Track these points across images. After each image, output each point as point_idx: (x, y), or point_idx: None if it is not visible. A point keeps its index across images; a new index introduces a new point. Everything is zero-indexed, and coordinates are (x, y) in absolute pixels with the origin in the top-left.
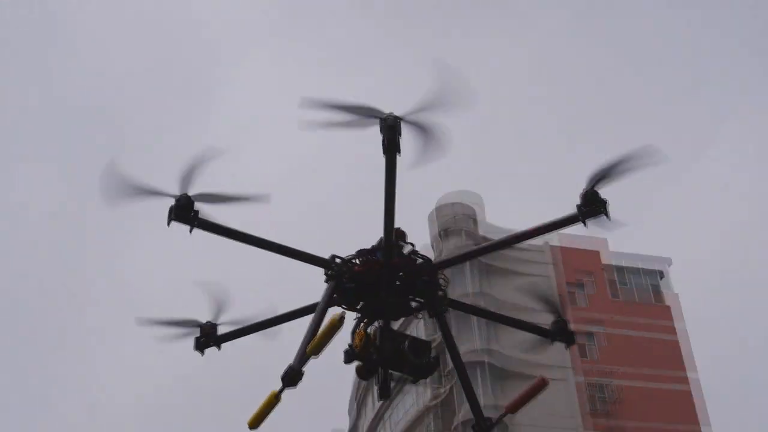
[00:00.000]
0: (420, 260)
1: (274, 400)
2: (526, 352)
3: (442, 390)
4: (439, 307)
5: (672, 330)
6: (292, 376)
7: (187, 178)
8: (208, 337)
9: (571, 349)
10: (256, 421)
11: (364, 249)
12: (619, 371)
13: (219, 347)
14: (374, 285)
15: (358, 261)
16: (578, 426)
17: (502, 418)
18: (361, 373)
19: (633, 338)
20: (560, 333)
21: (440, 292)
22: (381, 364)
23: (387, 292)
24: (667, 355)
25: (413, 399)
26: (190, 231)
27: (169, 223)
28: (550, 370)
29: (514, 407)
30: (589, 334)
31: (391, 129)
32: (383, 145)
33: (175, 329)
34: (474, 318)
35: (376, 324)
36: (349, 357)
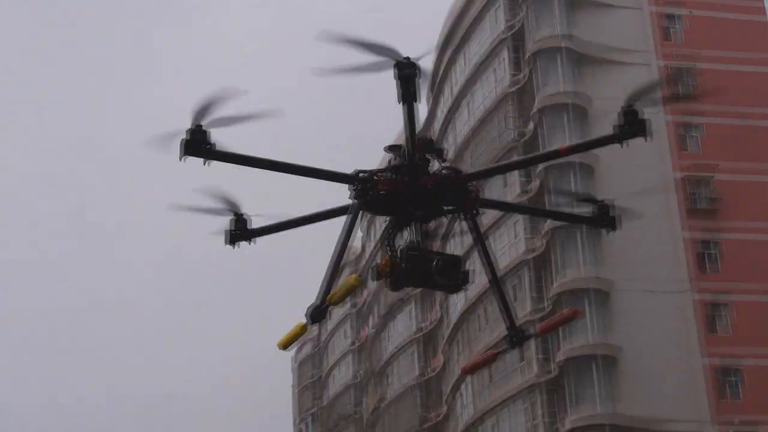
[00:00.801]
0: (448, 173)
1: (300, 330)
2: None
3: (521, 75)
4: (470, 212)
5: (762, 10)
6: (317, 314)
7: (200, 112)
8: (240, 230)
9: (653, 31)
10: (285, 344)
11: (390, 165)
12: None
13: (250, 241)
14: (401, 201)
15: (382, 177)
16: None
17: (533, 336)
18: (390, 285)
19: (719, 20)
20: (603, 219)
21: (471, 197)
22: (409, 285)
23: (415, 206)
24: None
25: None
26: (204, 164)
27: (181, 158)
28: (630, 55)
29: (544, 329)
30: (671, 17)
31: (407, 79)
32: (398, 94)
33: (208, 213)
34: (555, 1)
35: (404, 236)
36: (377, 276)
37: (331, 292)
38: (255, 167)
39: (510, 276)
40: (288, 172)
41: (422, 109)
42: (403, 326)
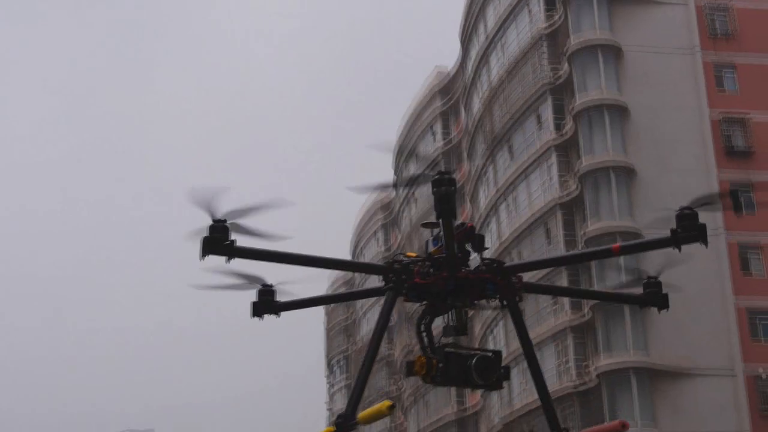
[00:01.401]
0: (490, 267)
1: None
2: None
3: (556, 17)
4: (511, 301)
5: None
6: (343, 427)
7: (211, 204)
8: (267, 303)
9: None
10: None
11: (427, 253)
12: None
13: (278, 315)
14: (439, 293)
15: (419, 269)
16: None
17: None
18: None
19: None
20: (653, 298)
21: (514, 288)
22: (446, 384)
23: (454, 298)
24: None
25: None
26: (227, 261)
27: (202, 258)
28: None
29: None
30: None
31: (446, 197)
32: (436, 210)
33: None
34: None
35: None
36: (410, 374)
37: (362, 414)
38: (284, 263)
39: (543, 218)
40: (320, 267)
41: (454, 51)
42: None
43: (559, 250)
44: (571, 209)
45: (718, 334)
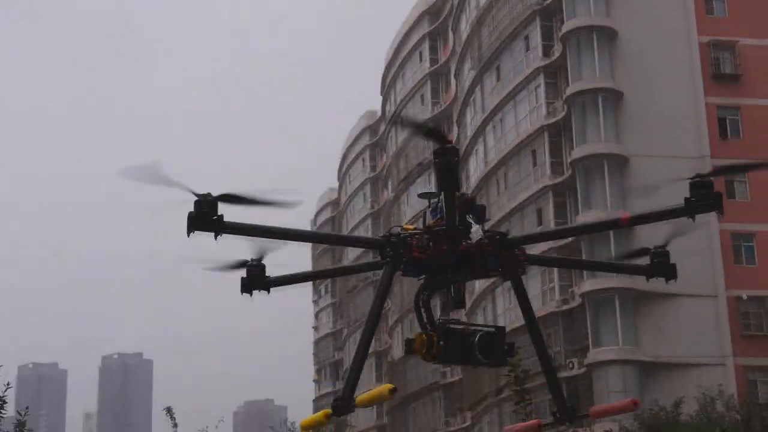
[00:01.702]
0: (493, 240)
1: (324, 419)
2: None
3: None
4: (515, 273)
5: None
6: (340, 409)
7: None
8: (257, 279)
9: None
10: (306, 426)
11: (426, 226)
12: None
13: (268, 291)
14: (439, 268)
15: (418, 242)
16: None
17: (583, 417)
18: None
19: None
20: (661, 268)
21: (517, 261)
22: (448, 362)
23: (454, 272)
24: None
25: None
26: (215, 238)
27: (189, 233)
28: None
29: (597, 414)
30: None
31: (448, 168)
32: (438, 182)
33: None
34: None
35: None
36: (410, 352)
37: (360, 397)
38: (277, 239)
39: (529, 142)
40: (313, 242)
41: None
42: (423, 190)
43: (546, 174)
44: (558, 133)
45: (701, 257)
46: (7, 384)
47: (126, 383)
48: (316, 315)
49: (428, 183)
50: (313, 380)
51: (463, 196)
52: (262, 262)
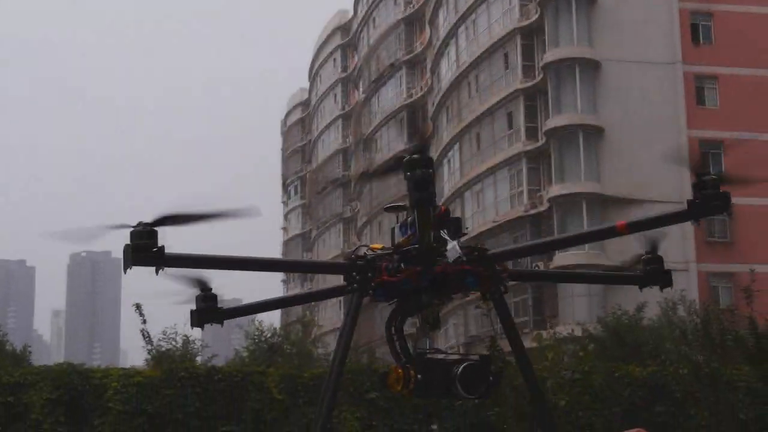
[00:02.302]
0: (471, 257)
1: None
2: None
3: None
4: (496, 292)
5: None
6: None
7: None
8: (209, 310)
9: None
10: None
11: (397, 245)
12: None
13: (222, 324)
14: (411, 291)
15: (387, 264)
16: None
17: None
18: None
19: None
20: (654, 276)
21: (499, 278)
22: (427, 397)
23: (429, 296)
24: None
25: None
26: (156, 273)
27: (126, 269)
28: None
29: None
30: None
31: (422, 182)
32: (411, 198)
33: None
34: None
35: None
36: (384, 386)
37: None
38: (226, 269)
39: (502, 44)
40: (270, 270)
41: None
42: (393, 92)
43: (518, 78)
44: (531, 35)
45: (670, 164)
46: None
47: (94, 281)
48: (285, 216)
49: (400, 85)
50: (281, 281)
51: (436, 209)
52: (212, 292)
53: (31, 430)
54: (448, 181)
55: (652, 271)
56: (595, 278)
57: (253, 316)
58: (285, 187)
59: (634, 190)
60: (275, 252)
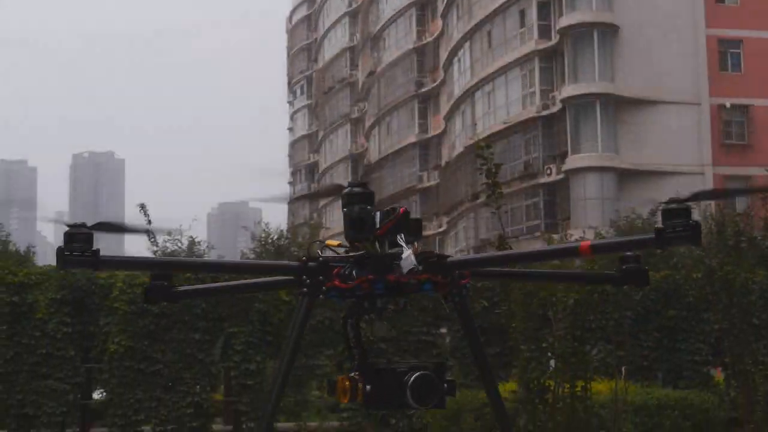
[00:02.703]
0: (427, 264)
1: None
2: None
3: None
4: (456, 300)
5: None
6: None
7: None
8: (161, 289)
9: None
10: None
11: (347, 251)
12: None
13: (177, 302)
14: (365, 296)
15: (339, 270)
16: None
17: None
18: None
19: None
20: (632, 275)
21: (459, 284)
22: (380, 409)
23: (384, 300)
24: None
25: None
26: (93, 273)
27: (60, 268)
28: None
29: None
30: None
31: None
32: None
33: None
34: None
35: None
36: (332, 395)
37: None
38: (161, 270)
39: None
40: (205, 271)
41: None
42: None
43: (533, 38)
44: None
45: (686, 63)
46: None
47: (97, 182)
48: (291, 116)
49: None
50: (288, 182)
51: (394, 211)
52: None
53: (36, 330)
54: (458, 82)
55: (629, 270)
56: (570, 277)
57: (260, 218)
58: (291, 86)
59: (649, 91)
60: (281, 154)
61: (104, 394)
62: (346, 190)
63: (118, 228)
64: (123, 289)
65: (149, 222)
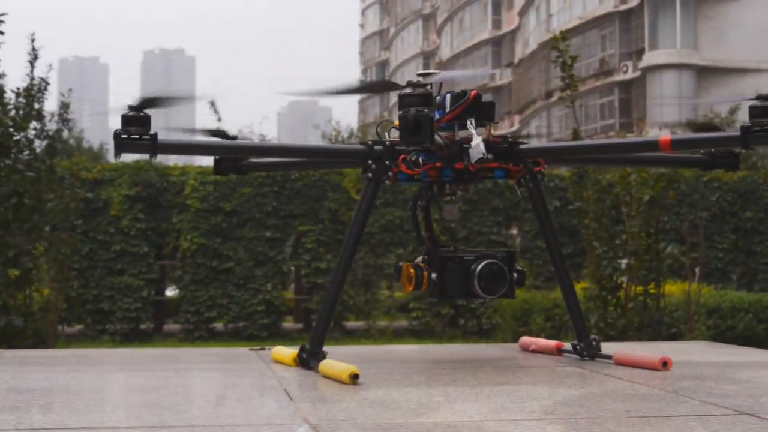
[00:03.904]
0: (498, 152)
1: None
2: None
3: None
4: (530, 186)
5: None
6: (306, 363)
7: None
8: (231, 161)
9: None
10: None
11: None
12: None
13: (244, 174)
14: (433, 183)
15: (406, 157)
16: None
17: (606, 357)
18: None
19: None
20: (721, 158)
21: (534, 170)
22: (448, 299)
23: (453, 186)
24: None
25: None
26: (151, 159)
27: (117, 156)
28: None
29: (621, 362)
30: None
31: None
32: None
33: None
34: None
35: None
36: (396, 279)
37: (323, 365)
38: (219, 155)
39: None
40: (271, 155)
41: None
42: None
43: None
44: None
45: None
46: (50, 65)
47: (168, 79)
48: (363, 12)
49: None
50: (359, 81)
51: (465, 94)
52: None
53: (110, 226)
54: None
55: (720, 154)
56: (655, 161)
57: (330, 117)
58: None
59: None
60: (353, 51)
61: (177, 290)
62: (405, 91)
63: (166, 101)
64: (195, 186)
65: (219, 120)
